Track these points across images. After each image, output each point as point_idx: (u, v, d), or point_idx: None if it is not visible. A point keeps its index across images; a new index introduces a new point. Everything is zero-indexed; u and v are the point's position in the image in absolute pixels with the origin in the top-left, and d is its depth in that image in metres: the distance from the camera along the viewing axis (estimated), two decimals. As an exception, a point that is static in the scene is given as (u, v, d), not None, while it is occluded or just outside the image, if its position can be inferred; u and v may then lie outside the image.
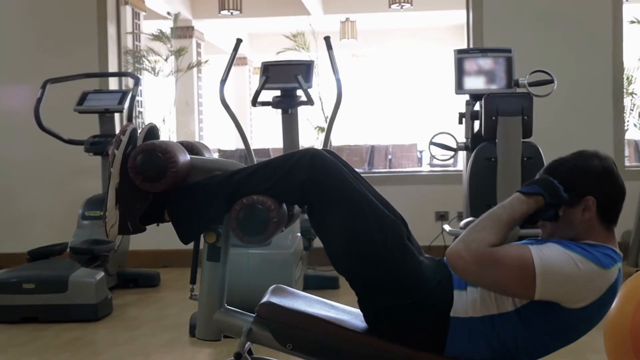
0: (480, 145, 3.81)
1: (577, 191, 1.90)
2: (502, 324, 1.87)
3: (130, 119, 5.02)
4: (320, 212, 1.97)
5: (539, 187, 1.88)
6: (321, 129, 9.62)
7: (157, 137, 2.12)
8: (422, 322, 1.91)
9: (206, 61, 10.72)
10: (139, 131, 2.08)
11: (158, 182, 1.96)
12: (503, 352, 1.91)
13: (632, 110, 7.54)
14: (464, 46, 5.74)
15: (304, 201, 2.00)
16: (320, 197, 1.95)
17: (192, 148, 2.19)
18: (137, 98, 5.83)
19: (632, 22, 7.31)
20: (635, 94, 7.69)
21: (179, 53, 9.40)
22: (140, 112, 7.10)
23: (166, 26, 9.37)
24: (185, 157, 2.03)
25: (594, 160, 1.94)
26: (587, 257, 1.82)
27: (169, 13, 9.50)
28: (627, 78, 7.08)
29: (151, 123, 2.15)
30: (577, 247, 1.85)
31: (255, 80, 5.87)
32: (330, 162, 1.97)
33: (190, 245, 2.13)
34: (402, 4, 9.42)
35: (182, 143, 2.14)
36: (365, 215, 1.94)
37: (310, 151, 2.00)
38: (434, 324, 1.90)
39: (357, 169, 2.24)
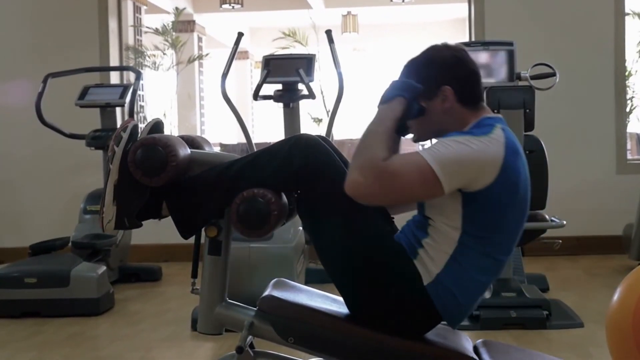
0: (482, 139, 3.80)
1: (432, 83, 1.95)
2: (463, 254, 1.88)
3: (131, 113, 5.00)
4: (313, 200, 1.97)
5: (393, 90, 1.95)
6: (318, 120, 9.63)
7: (162, 132, 2.11)
8: (407, 307, 1.91)
9: (207, 54, 10.70)
10: (140, 127, 2.07)
11: (158, 176, 1.96)
12: (491, 271, 1.93)
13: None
14: (466, 39, 5.72)
15: (301, 186, 2.00)
16: (314, 182, 1.95)
17: (193, 142, 2.18)
18: (139, 92, 5.82)
19: (627, 14, 7.24)
20: (634, 91, 7.63)
21: (176, 43, 9.37)
22: (141, 107, 7.09)
23: (167, 20, 9.36)
24: (185, 151, 2.03)
25: (444, 51, 2.02)
26: (467, 135, 1.87)
27: (177, 8, 9.48)
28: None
29: (157, 118, 2.14)
30: (455, 133, 1.90)
31: (257, 74, 5.86)
32: (322, 146, 1.99)
33: (192, 240, 2.13)
34: (404, -2, 9.41)
35: (182, 137, 2.13)
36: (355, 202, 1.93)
37: (304, 136, 2.02)
38: (419, 303, 1.90)
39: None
